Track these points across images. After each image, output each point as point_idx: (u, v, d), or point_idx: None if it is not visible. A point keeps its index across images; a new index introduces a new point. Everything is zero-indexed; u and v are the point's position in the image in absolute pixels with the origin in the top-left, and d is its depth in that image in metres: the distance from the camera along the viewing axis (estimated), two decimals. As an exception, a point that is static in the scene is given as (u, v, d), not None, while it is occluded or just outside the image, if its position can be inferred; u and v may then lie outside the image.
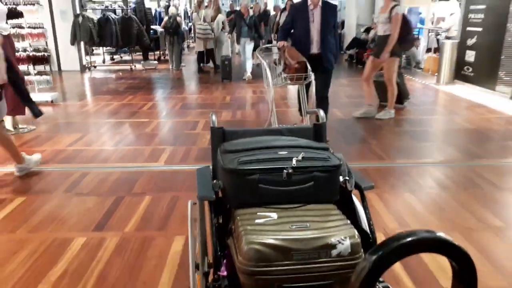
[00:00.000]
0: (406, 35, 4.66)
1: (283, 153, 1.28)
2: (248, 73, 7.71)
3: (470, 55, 6.58)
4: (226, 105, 5.69)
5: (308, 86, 3.75)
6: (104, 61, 10.33)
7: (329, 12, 3.89)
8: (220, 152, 1.35)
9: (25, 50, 5.75)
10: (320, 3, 3.82)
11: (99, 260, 2.07)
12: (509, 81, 5.75)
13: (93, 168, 3.37)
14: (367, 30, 9.67)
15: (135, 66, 9.45)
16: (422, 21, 10.36)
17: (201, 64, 8.81)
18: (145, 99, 6.16)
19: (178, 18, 8.93)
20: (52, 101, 5.73)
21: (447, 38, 7.88)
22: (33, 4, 5.68)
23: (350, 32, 11.33)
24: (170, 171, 3.32)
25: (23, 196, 2.83)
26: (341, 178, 1.30)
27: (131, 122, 4.84)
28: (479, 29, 6.36)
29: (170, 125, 4.79)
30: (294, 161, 1.22)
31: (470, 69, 6.61)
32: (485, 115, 5.02)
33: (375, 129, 4.51)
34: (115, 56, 11.33)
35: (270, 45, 5.47)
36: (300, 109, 4.02)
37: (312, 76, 3.55)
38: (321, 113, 1.64)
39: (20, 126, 4.44)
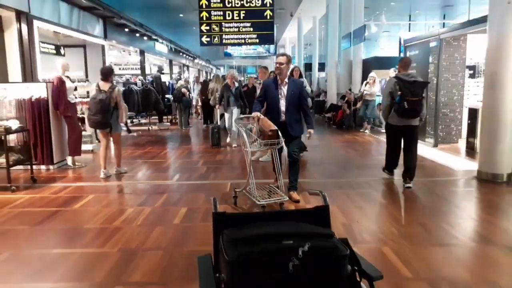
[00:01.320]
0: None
1: (288, 242, 1.28)
2: (234, 140, 8.16)
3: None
4: (218, 152, 7.80)
5: (280, 150, 4.22)
6: (126, 123, 12.74)
7: (295, 87, 4.47)
8: (222, 241, 1.36)
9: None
10: (286, 80, 4.48)
11: (142, 215, 4.02)
12: (432, 134, 7.82)
13: (132, 181, 5.41)
14: (343, 97, 12.11)
15: (151, 127, 11.81)
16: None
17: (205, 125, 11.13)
18: (160, 149, 8.33)
19: (183, 90, 11.40)
20: (92, 150, 7.89)
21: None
22: (85, 81, 8.13)
23: (331, 99, 13.78)
24: (181, 184, 5.33)
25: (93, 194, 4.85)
26: (348, 267, 1.29)
27: (152, 161, 6.95)
28: (414, 96, 8.60)
29: (180, 162, 6.87)
30: (300, 252, 1.22)
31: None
32: (426, 161, 7.02)
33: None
34: (134, 120, 13.79)
35: (246, 115, 5.84)
36: (274, 169, 4.56)
37: (283, 142, 4.06)
38: (324, 194, 1.64)
39: (76, 163, 6.55)
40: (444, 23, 17.48)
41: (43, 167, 6.26)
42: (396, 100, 4.86)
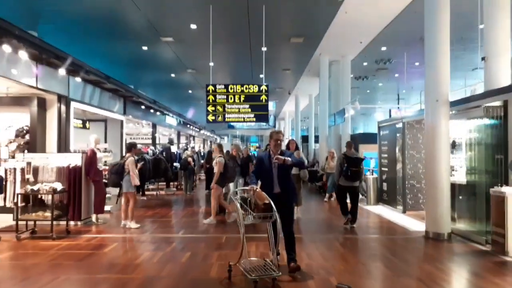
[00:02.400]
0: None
1: None
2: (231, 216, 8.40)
3: (385, 186, 10.29)
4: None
5: (274, 223, 4.47)
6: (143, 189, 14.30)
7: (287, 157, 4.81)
8: None
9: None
10: (279, 153, 4.85)
11: (157, 256, 5.43)
12: (401, 202, 9.27)
13: (146, 234, 6.82)
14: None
15: (159, 192, 13.32)
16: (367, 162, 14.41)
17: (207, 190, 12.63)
18: (168, 210, 9.80)
19: (189, 159, 13.10)
20: (109, 211, 9.33)
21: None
22: (108, 152, 9.85)
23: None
24: (185, 237, 6.73)
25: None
26: None
27: (161, 220, 8.39)
28: (387, 169, 10.22)
29: (184, 220, 8.28)
30: None
31: (385, 195, 10.23)
32: (384, 222, 8.42)
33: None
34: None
35: (243, 188, 6.16)
36: (269, 243, 4.67)
37: (276, 215, 4.30)
38: None
39: (99, 220, 7.99)
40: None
41: (72, 222, 7.70)
42: (344, 169, 7.28)
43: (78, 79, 9.56)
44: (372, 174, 11.12)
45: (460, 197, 6.99)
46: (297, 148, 8.62)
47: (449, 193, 6.71)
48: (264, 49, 12.21)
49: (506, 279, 4.61)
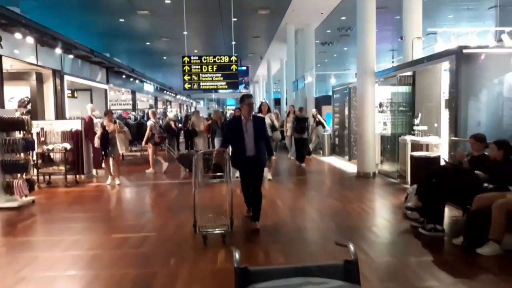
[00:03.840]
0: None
1: None
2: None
3: (336, 140, 12.59)
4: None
5: (255, 182, 5.16)
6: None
7: (258, 123, 5.21)
8: None
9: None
10: (251, 118, 5.13)
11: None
12: (347, 152, 11.60)
13: (134, 182, 8.89)
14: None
15: (143, 152, 15.28)
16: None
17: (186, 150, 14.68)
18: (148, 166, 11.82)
19: (171, 122, 14.96)
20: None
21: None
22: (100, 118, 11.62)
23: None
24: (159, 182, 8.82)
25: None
26: None
27: (141, 174, 10.44)
28: (338, 126, 12.47)
29: (161, 174, 10.34)
30: None
31: (337, 148, 12.56)
32: (331, 167, 10.75)
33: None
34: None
35: (209, 150, 7.28)
36: (246, 201, 5.53)
37: (228, 176, 4.74)
38: (352, 247, 1.67)
39: (98, 173, 9.93)
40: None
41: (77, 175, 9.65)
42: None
43: (70, 56, 11.16)
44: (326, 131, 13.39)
45: (384, 145, 9.30)
46: (269, 110, 10.37)
47: (374, 143, 9.00)
48: (234, 19, 13.89)
49: (399, 198, 6.91)
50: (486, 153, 5.04)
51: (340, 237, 4.74)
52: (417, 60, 7.80)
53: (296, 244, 4.62)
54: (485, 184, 4.65)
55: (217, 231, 4.59)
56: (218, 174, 4.80)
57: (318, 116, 13.52)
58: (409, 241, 4.72)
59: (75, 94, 13.90)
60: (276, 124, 10.00)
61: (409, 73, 8.38)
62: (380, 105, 9.41)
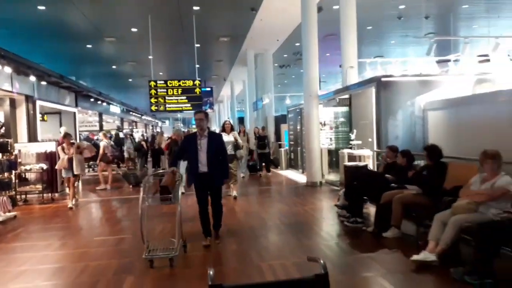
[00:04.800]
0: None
1: None
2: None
3: (292, 155, 14.01)
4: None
5: (213, 198, 5.31)
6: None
7: (213, 140, 5.21)
8: None
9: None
10: (206, 133, 5.17)
11: None
12: (301, 166, 13.01)
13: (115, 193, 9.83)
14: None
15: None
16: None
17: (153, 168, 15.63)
18: (117, 184, 12.71)
19: (142, 142, 15.92)
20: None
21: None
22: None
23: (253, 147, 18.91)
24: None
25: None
26: None
27: (115, 190, 11.36)
28: (293, 142, 13.91)
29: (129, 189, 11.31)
30: None
31: (293, 162, 13.96)
32: (286, 179, 12.08)
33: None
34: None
35: (162, 171, 7.02)
36: (202, 227, 5.34)
37: (175, 198, 4.74)
38: (322, 262, 1.69)
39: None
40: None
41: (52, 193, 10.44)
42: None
43: (42, 82, 12.03)
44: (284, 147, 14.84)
45: (330, 158, 10.75)
46: (232, 129, 11.19)
47: (320, 156, 10.43)
48: (197, 45, 15.18)
49: (335, 201, 8.24)
50: (397, 160, 6.49)
51: (284, 230, 6.01)
52: (348, 86, 9.36)
53: (250, 239, 5.81)
54: (392, 184, 6.06)
55: (164, 255, 4.58)
56: (165, 196, 4.78)
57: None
58: (336, 230, 6.06)
59: (45, 118, 14.62)
60: (240, 142, 10.04)
61: (346, 96, 9.92)
62: (323, 123, 10.89)
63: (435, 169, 5.34)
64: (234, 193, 8.90)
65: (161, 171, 7.56)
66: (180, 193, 5.08)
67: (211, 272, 1.61)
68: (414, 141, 7.78)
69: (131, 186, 11.61)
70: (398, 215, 5.43)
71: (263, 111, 18.85)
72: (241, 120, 29.19)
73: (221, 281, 1.59)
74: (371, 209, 6.72)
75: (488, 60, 9.68)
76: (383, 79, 7.80)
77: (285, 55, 20.31)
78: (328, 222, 6.67)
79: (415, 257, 4.26)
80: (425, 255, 4.21)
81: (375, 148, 8.26)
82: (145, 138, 18.10)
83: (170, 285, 4.22)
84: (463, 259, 4.13)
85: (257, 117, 19.70)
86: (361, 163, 8.23)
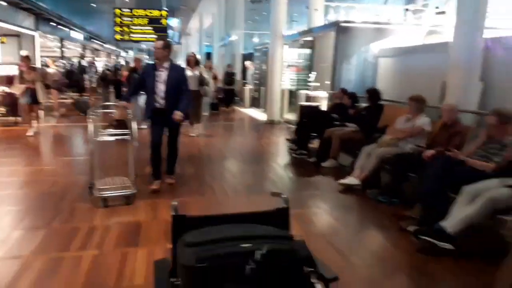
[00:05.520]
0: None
1: (246, 245, 1.37)
2: None
3: (256, 95, 14.59)
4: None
5: (170, 137, 4.85)
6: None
7: (174, 73, 4.72)
8: (180, 245, 1.46)
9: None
10: (166, 65, 4.67)
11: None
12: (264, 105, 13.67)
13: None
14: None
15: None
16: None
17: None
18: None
19: (106, 71, 15.90)
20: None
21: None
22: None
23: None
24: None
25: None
26: (305, 269, 1.43)
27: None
28: (257, 81, 14.41)
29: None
30: (257, 255, 1.31)
31: (256, 101, 14.58)
32: (248, 117, 12.74)
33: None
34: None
35: (112, 103, 6.48)
36: (151, 160, 4.83)
37: (132, 135, 4.27)
38: (285, 196, 1.76)
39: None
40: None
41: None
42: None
43: (1, 2, 11.66)
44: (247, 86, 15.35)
45: (290, 98, 11.43)
46: (197, 63, 10.87)
47: (280, 96, 11.07)
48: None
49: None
50: (343, 101, 7.22)
51: (240, 159, 6.78)
52: (310, 29, 9.81)
53: (206, 165, 6.53)
54: (336, 122, 6.84)
55: (118, 193, 4.30)
56: (120, 131, 4.38)
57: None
58: (285, 160, 6.92)
59: (4, 40, 14.23)
60: (206, 77, 9.37)
61: (311, 38, 10.39)
62: (288, 65, 11.42)
63: (373, 110, 6.14)
64: (199, 130, 8.68)
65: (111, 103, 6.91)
66: (136, 128, 4.52)
67: (175, 203, 1.64)
68: (364, 85, 8.51)
69: (82, 114, 10.81)
70: (336, 148, 6.26)
71: (231, 48, 18.96)
72: (208, 56, 28.99)
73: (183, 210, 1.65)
74: (316, 144, 7.57)
75: (444, 12, 10.29)
76: (342, 24, 8.32)
77: (257, -10, 20.03)
78: (279, 154, 7.50)
79: (342, 181, 5.13)
80: (350, 180, 5.08)
81: (330, 90, 8.97)
82: (109, 68, 18.01)
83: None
84: (382, 184, 5.04)
85: (225, 54, 19.82)
86: (315, 104, 8.95)
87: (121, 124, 4.70)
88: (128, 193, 4.34)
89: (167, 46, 4.74)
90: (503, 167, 3.68)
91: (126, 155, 4.69)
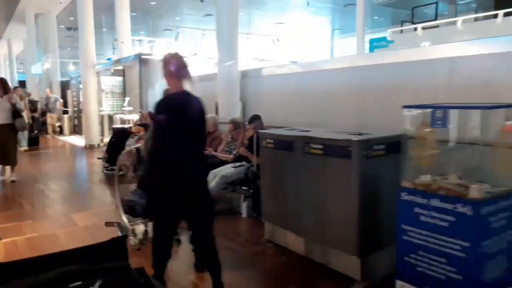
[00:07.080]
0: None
1: (75, 284, 1.29)
2: None
3: (76, 122, 15.03)
4: None
5: None
6: None
7: None
8: None
9: None
10: None
11: None
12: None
13: None
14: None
15: None
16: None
17: None
18: None
19: None
20: None
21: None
22: None
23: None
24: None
25: None
26: None
27: None
28: (76, 108, 14.91)
29: None
30: None
31: (77, 128, 15.04)
32: (67, 143, 13.16)
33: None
34: None
35: None
36: None
37: None
38: (119, 226, 1.75)
39: None
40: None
41: None
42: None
43: None
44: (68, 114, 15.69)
45: (109, 123, 12.44)
46: (6, 90, 10.22)
47: (97, 120, 12.03)
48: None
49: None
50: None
51: (55, 179, 7.60)
52: (119, 60, 11.20)
53: (22, 187, 7.15)
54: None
55: None
56: None
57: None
58: (97, 176, 8.04)
59: None
60: (21, 107, 8.08)
61: (121, 67, 11.71)
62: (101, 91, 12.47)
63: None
64: (12, 177, 7.48)
65: None
66: None
67: None
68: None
69: None
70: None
71: (48, 76, 18.67)
72: (22, 84, 27.30)
73: None
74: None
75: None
76: (142, 56, 9.91)
77: (71, 18, 20.31)
78: (92, 172, 8.56)
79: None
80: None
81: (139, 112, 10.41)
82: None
83: None
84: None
85: (40, 81, 19.39)
86: (125, 126, 10.28)
87: None
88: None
89: None
90: (236, 158, 5.71)
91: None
